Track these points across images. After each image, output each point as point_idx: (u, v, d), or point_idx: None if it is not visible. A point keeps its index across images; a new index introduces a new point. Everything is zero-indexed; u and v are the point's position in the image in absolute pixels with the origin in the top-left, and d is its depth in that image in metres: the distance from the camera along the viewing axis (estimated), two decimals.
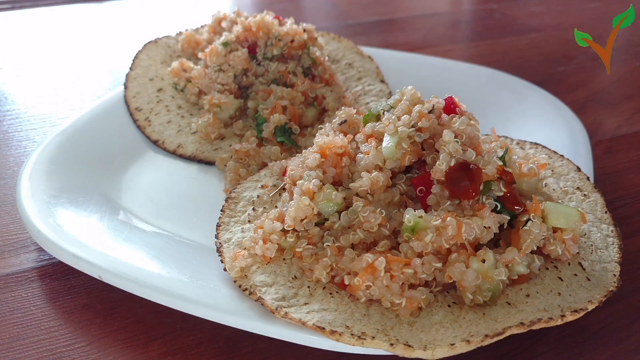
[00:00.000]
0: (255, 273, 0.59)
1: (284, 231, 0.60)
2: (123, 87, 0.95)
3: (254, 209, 0.68)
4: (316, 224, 0.60)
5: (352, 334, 0.51)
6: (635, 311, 0.62)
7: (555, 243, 0.58)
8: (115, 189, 0.77)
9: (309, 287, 0.58)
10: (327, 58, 1.01)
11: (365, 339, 0.51)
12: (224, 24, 1.02)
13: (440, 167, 0.58)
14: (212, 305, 0.56)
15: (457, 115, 0.61)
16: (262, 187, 0.72)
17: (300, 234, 0.60)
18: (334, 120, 0.70)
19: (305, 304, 0.55)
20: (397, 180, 0.61)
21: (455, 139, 0.59)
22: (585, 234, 0.64)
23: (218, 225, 0.66)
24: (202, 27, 1.10)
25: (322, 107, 0.92)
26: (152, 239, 0.67)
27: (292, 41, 0.94)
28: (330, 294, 0.57)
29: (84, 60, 1.29)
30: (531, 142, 0.79)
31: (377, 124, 0.64)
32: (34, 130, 0.98)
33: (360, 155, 0.63)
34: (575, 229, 0.59)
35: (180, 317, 0.58)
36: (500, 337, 0.51)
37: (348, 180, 0.63)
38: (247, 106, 0.91)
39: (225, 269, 0.59)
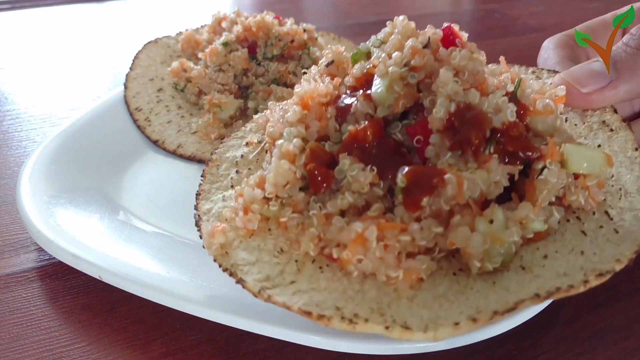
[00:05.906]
0: (237, 249, 0.51)
1: (266, 199, 0.53)
2: (123, 87, 0.95)
3: (237, 172, 0.59)
4: (301, 189, 0.52)
5: (342, 317, 0.44)
6: (635, 311, 0.62)
7: (577, 192, 0.50)
8: (115, 189, 0.77)
9: (296, 261, 0.50)
10: None
11: (357, 323, 0.44)
12: (224, 24, 1.02)
13: (437, 115, 0.49)
14: (212, 305, 0.55)
15: (456, 49, 0.52)
16: (246, 144, 0.62)
17: (284, 200, 0.52)
18: (320, 62, 0.61)
19: (292, 282, 0.48)
20: (392, 129, 0.53)
21: (455, 79, 0.50)
22: (613, 176, 0.54)
23: (197, 194, 0.57)
24: (202, 27, 1.10)
25: None
26: (152, 239, 0.67)
27: (292, 41, 0.94)
28: (320, 267, 0.49)
29: (84, 60, 1.29)
30: (549, 70, 0.67)
31: (366, 63, 0.56)
32: (34, 130, 0.98)
33: (347, 99, 0.55)
34: (601, 175, 0.50)
35: (180, 317, 0.58)
36: (512, 313, 0.43)
37: (335, 134, 0.54)
38: (247, 106, 0.91)
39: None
